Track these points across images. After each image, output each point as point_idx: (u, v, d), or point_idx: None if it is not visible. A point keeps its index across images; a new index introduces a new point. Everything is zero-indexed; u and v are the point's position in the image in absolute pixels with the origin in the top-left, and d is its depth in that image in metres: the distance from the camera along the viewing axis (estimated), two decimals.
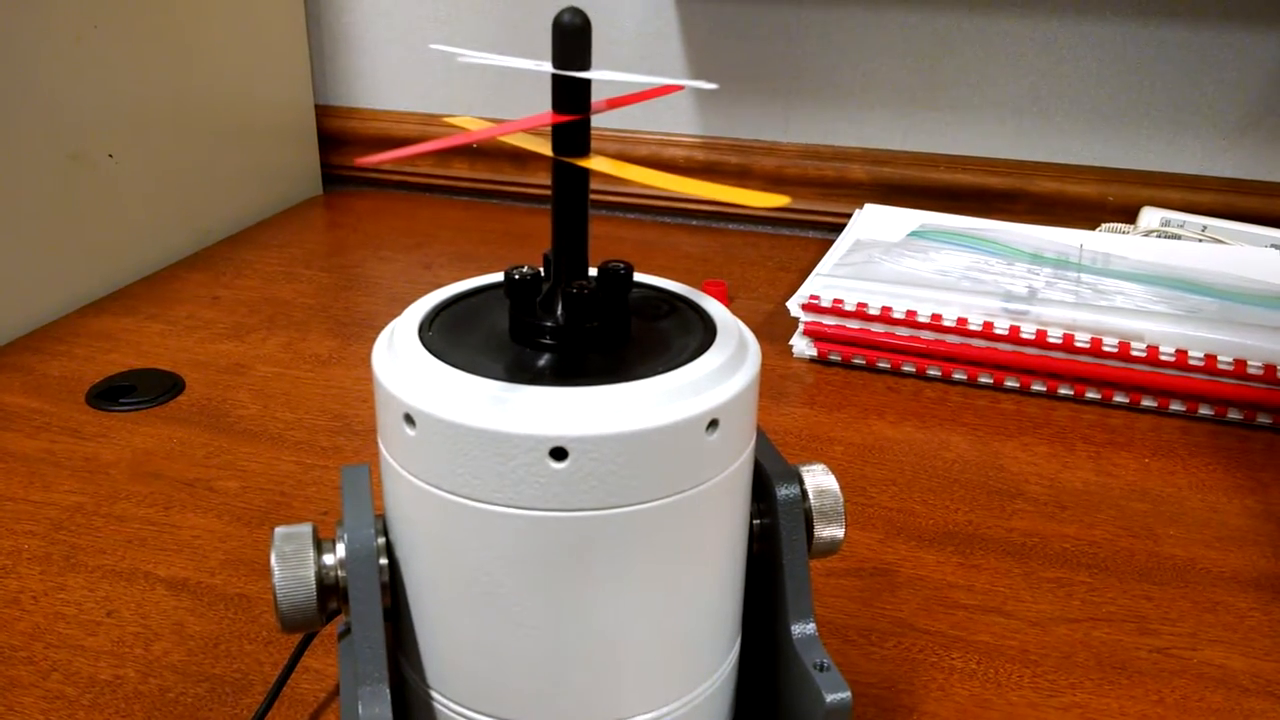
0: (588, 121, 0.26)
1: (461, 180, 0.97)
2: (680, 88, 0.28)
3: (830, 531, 0.31)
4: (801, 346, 0.65)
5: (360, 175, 1.00)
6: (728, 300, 0.73)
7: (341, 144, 0.98)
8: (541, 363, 0.26)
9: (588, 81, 0.25)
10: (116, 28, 0.72)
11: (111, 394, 0.59)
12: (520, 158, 0.94)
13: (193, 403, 0.59)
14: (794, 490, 0.30)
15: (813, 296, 0.64)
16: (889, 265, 0.67)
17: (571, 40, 0.25)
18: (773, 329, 0.69)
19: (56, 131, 0.68)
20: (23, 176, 0.66)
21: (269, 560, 0.28)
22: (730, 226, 0.92)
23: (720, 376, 0.26)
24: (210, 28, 0.81)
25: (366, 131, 0.98)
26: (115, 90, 0.72)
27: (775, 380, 0.63)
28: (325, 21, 0.96)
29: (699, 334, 0.28)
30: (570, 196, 0.27)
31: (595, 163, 0.26)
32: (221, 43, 0.82)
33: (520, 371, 0.26)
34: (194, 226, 0.82)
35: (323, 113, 0.97)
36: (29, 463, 0.53)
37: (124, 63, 0.73)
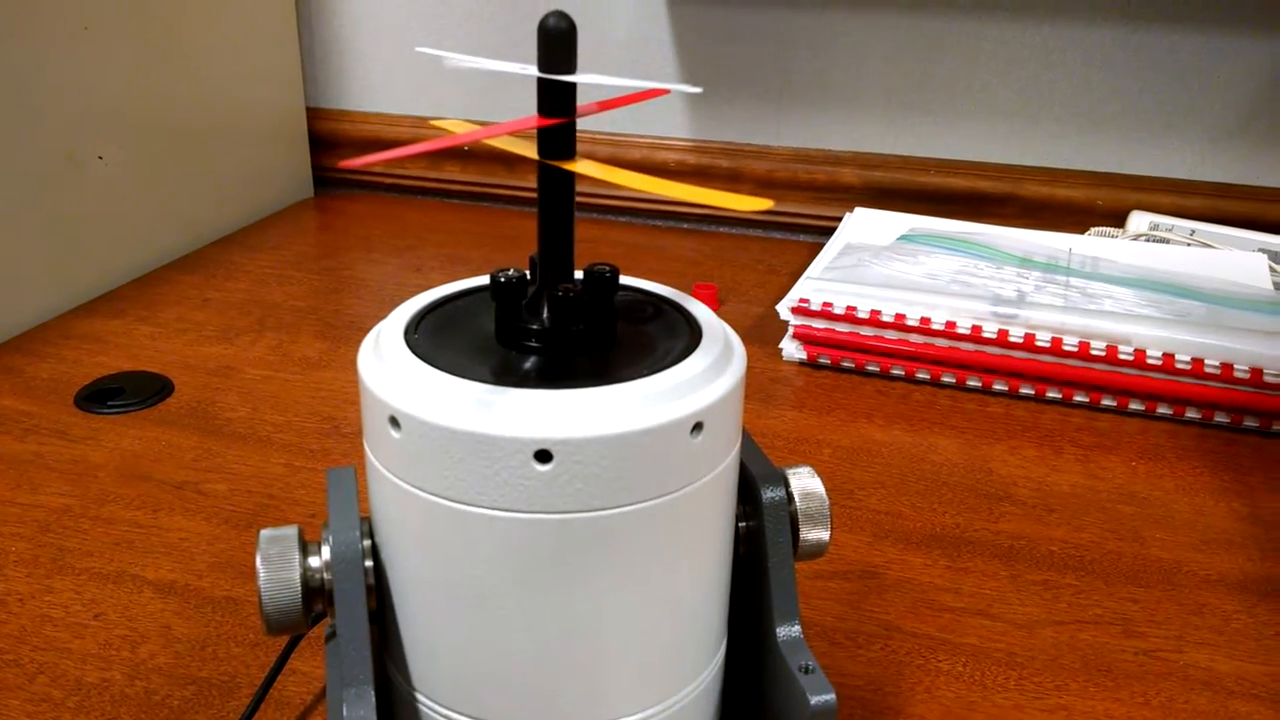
0: (573, 125, 0.26)
1: (452, 183, 0.97)
2: (666, 91, 0.28)
3: (816, 534, 0.31)
4: (791, 350, 0.65)
5: (351, 178, 1.00)
6: (717, 304, 0.74)
7: (332, 146, 0.98)
8: (527, 365, 0.26)
9: (573, 85, 0.25)
10: (108, 29, 0.71)
11: (100, 396, 0.59)
12: (511, 161, 0.94)
13: (181, 405, 0.59)
14: (779, 493, 0.30)
15: (802, 300, 0.64)
16: (878, 269, 0.67)
17: (556, 44, 0.25)
18: (762, 332, 0.69)
19: (47, 133, 0.68)
20: (13, 177, 0.65)
21: (254, 562, 0.28)
22: (721, 230, 0.92)
23: (705, 379, 0.26)
24: (202, 30, 0.81)
25: (357, 134, 0.98)
26: (106, 92, 0.72)
27: (764, 383, 0.63)
28: (316, 24, 0.96)
29: (684, 337, 0.28)
30: (556, 199, 0.27)
31: (580, 166, 0.26)
32: (213, 45, 0.82)
33: (505, 374, 0.26)
34: (184, 228, 0.82)
35: (314, 115, 0.97)
36: (17, 465, 0.52)
37: (116, 64, 0.73)
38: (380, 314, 0.71)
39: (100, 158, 0.72)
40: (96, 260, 0.73)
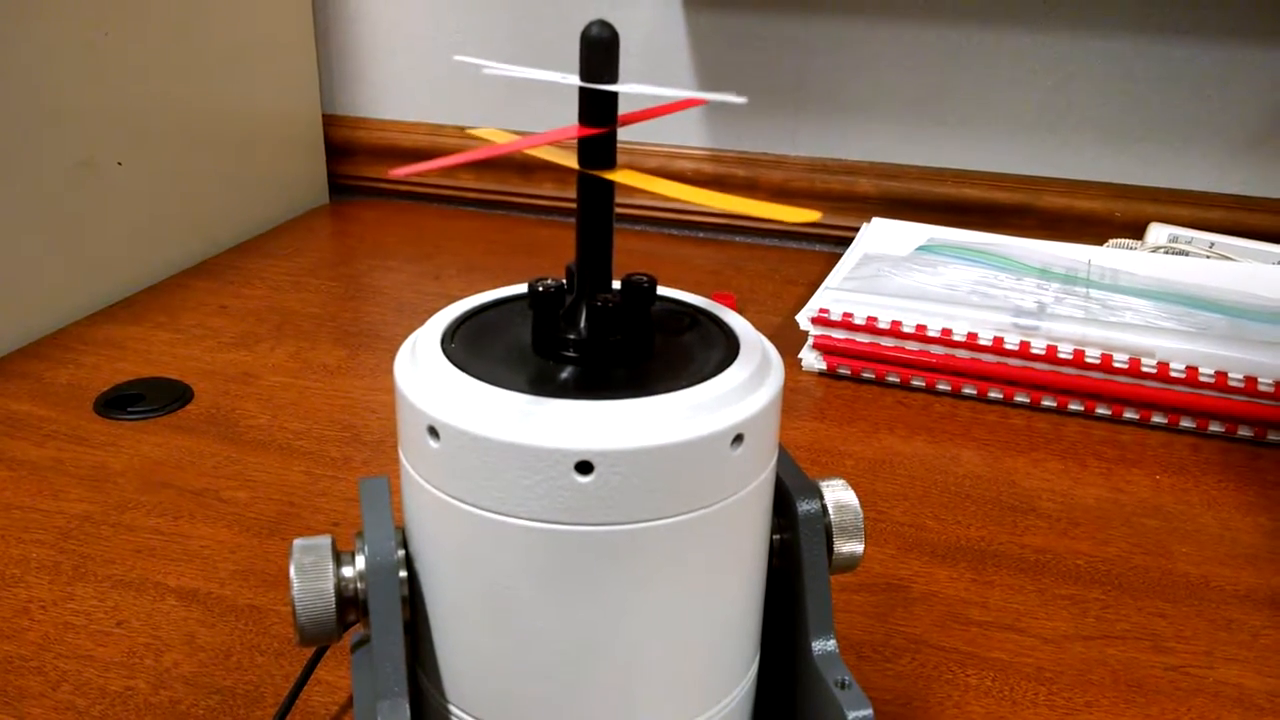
0: (614, 134, 0.26)
1: (468, 191, 0.97)
2: (704, 101, 0.28)
3: (850, 547, 0.31)
4: (811, 360, 0.65)
5: (367, 185, 1.00)
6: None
7: (348, 154, 0.98)
8: (565, 375, 0.26)
9: (614, 95, 0.25)
10: (128, 35, 0.72)
11: (119, 402, 0.59)
12: (527, 169, 0.94)
13: (201, 412, 0.59)
14: (815, 505, 0.30)
15: (822, 310, 0.64)
16: (898, 279, 0.67)
17: (599, 53, 0.25)
18: (781, 342, 0.69)
19: (66, 138, 0.68)
20: (31, 183, 0.66)
21: (287, 572, 0.28)
22: (737, 239, 0.92)
23: (745, 391, 0.26)
24: (220, 37, 0.81)
25: (373, 141, 0.98)
26: (125, 98, 0.72)
27: (784, 394, 0.62)
28: (333, 32, 0.96)
29: (722, 348, 0.28)
30: (596, 209, 0.27)
31: (621, 176, 0.26)
32: (231, 52, 0.82)
33: (544, 384, 0.26)
34: (201, 235, 0.82)
35: (330, 122, 0.97)
36: (37, 471, 0.52)
37: (134, 70, 0.73)
38: (398, 321, 0.71)
39: (119, 164, 0.72)
40: (114, 266, 0.73)
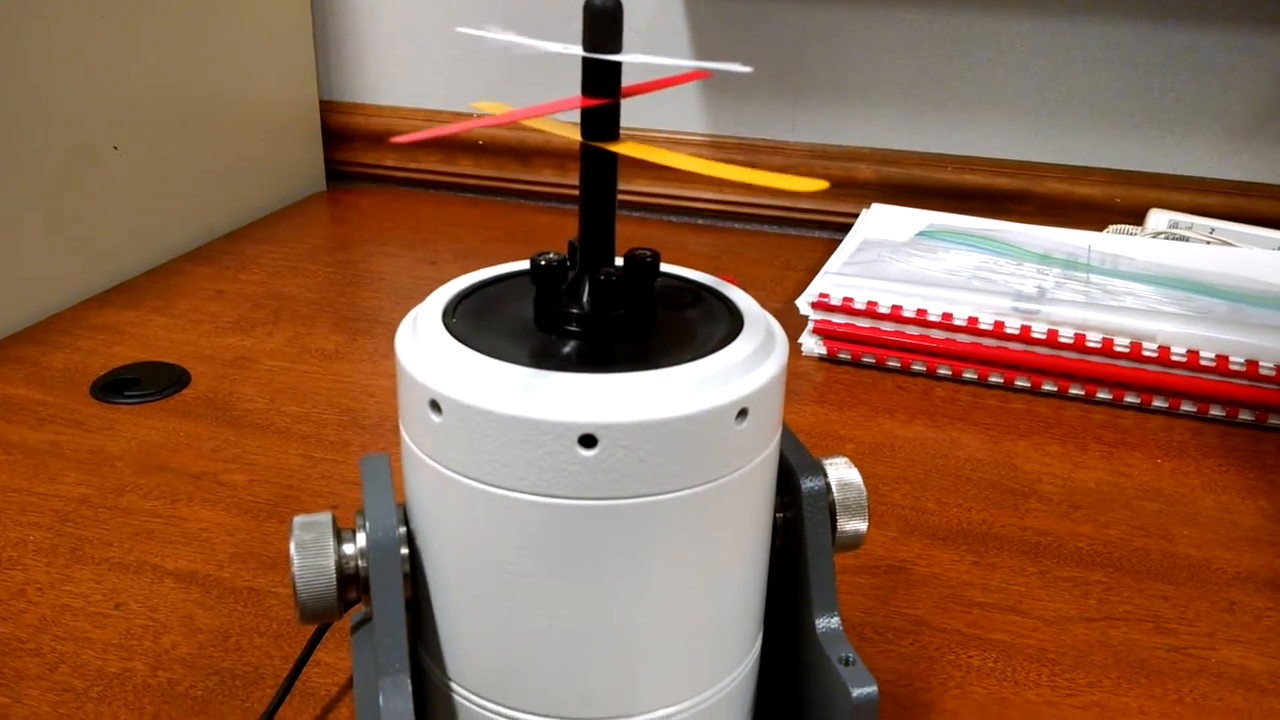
0: (618, 105, 0.26)
1: (466, 177, 0.97)
2: (708, 73, 0.28)
3: (853, 525, 0.31)
4: (811, 344, 0.65)
5: (364, 171, 0.99)
6: None
7: (345, 140, 0.98)
8: (568, 349, 0.26)
9: (618, 65, 0.25)
10: (124, 20, 0.71)
11: (116, 386, 0.59)
12: (526, 155, 0.93)
13: (198, 396, 0.58)
14: (819, 483, 0.30)
15: (822, 294, 0.63)
16: (898, 264, 0.67)
17: (603, 22, 0.24)
18: (781, 326, 0.68)
19: (62, 123, 0.67)
20: (28, 168, 0.65)
21: (288, 549, 0.28)
22: (736, 225, 0.92)
23: (749, 365, 0.26)
24: (217, 22, 0.80)
25: (371, 128, 0.97)
26: (122, 83, 0.72)
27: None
28: (330, 17, 0.96)
29: (725, 323, 0.28)
30: (598, 182, 0.27)
31: (625, 147, 0.25)
32: (228, 37, 0.82)
33: (547, 358, 0.25)
34: (198, 220, 0.82)
35: (327, 108, 0.97)
36: (34, 454, 0.52)
37: (131, 55, 0.72)
38: (395, 306, 0.71)
39: (115, 148, 0.72)
40: (111, 251, 0.73)
